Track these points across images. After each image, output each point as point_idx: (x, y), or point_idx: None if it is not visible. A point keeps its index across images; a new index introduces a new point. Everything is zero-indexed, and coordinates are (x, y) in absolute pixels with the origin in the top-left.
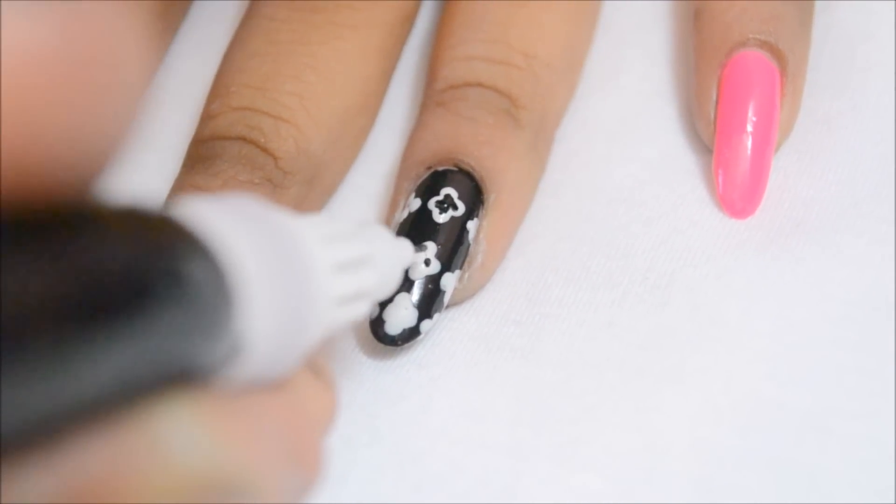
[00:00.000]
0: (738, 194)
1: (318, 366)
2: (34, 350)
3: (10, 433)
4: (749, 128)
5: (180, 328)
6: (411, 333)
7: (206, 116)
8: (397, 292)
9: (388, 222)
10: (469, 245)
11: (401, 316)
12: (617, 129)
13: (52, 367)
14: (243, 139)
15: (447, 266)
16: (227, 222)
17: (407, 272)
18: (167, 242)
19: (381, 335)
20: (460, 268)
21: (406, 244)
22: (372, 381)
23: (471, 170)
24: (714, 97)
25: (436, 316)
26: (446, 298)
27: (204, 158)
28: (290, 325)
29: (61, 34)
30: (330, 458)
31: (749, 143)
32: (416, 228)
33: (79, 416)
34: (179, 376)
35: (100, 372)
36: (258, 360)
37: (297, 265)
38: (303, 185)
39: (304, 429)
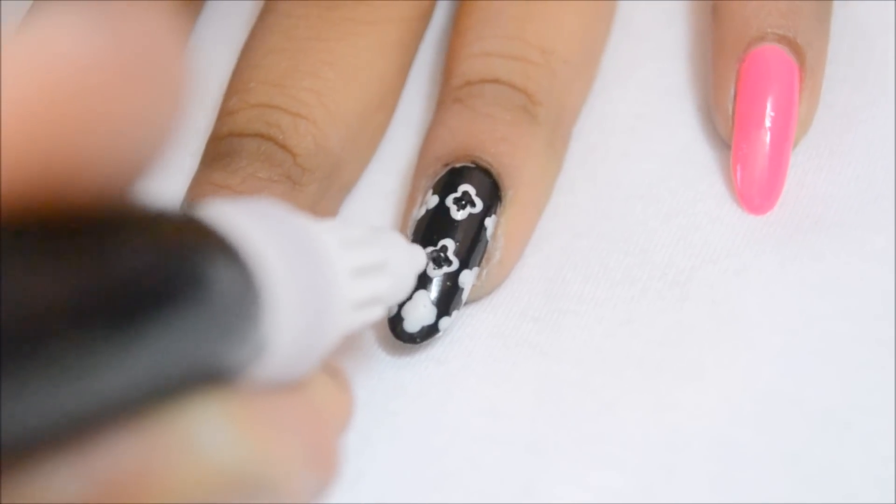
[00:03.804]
0: (756, 190)
1: (333, 368)
2: (65, 349)
3: (41, 430)
4: (767, 123)
5: (209, 329)
6: (430, 331)
7: (224, 113)
8: (416, 290)
9: (405, 219)
10: (487, 242)
11: (419, 313)
12: (634, 124)
13: (83, 365)
14: (261, 136)
15: (465, 263)
16: (253, 225)
17: (425, 271)
18: (197, 245)
19: (399, 333)
20: (478, 265)
21: (419, 250)
22: (391, 378)
23: (488, 166)
24: (732, 92)
25: (454, 313)
26: (464, 296)
27: (222, 155)
28: (311, 327)
29: (109, 38)
30: (345, 458)
31: (767, 139)
32: (434, 225)
33: (108, 413)
34: (207, 375)
35: (129, 371)
36: (280, 361)
37: (320, 269)
38: (321, 182)
39: (321, 429)
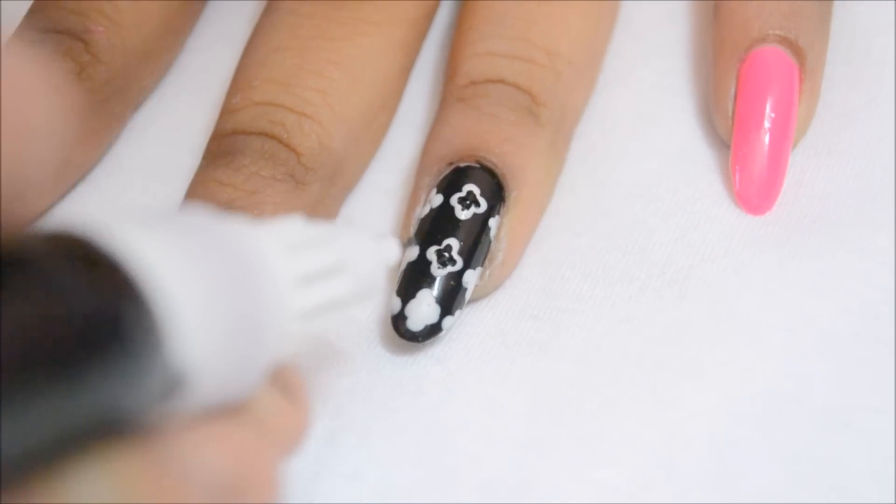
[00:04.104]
0: (754, 191)
1: (288, 381)
2: None
3: None
4: (767, 124)
5: (101, 376)
6: (433, 330)
7: (228, 110)
8: (420, 289)
9: (408, 217)
10: (490, 242)
11: (423, 312)
12: (634, 124)
13: None
14: (266, 134)
15: (469, 263)
16: (161, 246)
17: (430, 270)
18: (85, 282)
19: (403, 331)
20: (482, 265)
21: (390, 242)
22: (390, 376)
23: (493, 167)
24: (732, 93)
25: (457, 313)
26: (468, 295)
27: (225, 153)
28: (241, 347)
29: None
30: (285, 478)
31: (766, 140)
32: (438, 224)
33: None
34: (105, 426)
35: (11, 434)
36: (206, 387)
37: (249, 282)
38: (324, 182)
39: (255, 453)
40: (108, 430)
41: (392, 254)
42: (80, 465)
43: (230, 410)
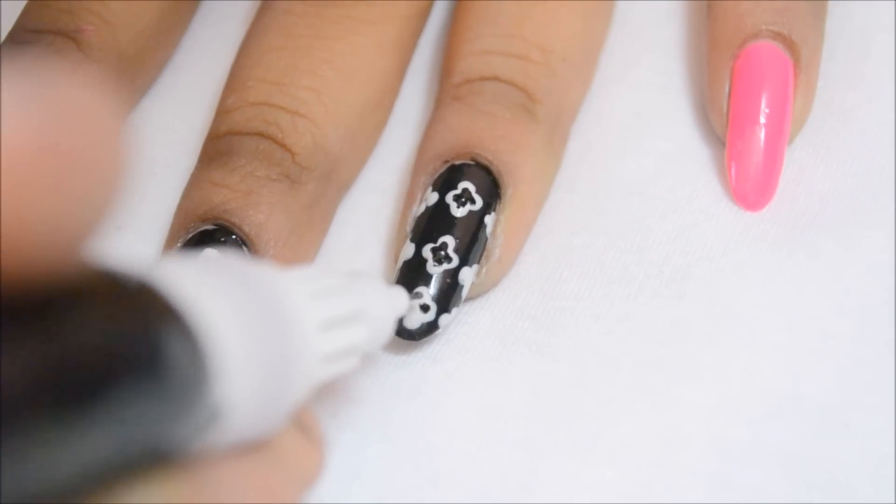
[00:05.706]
0: (751, 186)
1: (306, 422)
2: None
3: None
4: (762, 119)
5: (152, 406)
6: (429, 328)
7: (223, 111)
8: (417, 287)
9: (404, 216)
10: (486, 239)
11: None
12: (631, 122)
13: (17, 454)
14: (260, 134)
15: (465, 260)
16: (206, 286)
17: (425, 267)
18: (140, 317)
19: (399, 330)
20: (478, 262)
21: (400, 293)
22: (387, 377)
23: (488, 164)
24: (727, 89)
25: (454, 311)
26: (464, 293)
27: (221, 154)
28: (273, 388)
29: (41, 119)
30: None
31: (762, 135)
32: (434, 222)
33: (48, 500)
34: (152, 453)
35: (67, 457)
36: (239, 424)
37: (282, 326)
38: (320, 181)
39: (279, 491)
40: (156, 459)
41: (402, 304)
42: (130, 489)
43: (257, 448)
